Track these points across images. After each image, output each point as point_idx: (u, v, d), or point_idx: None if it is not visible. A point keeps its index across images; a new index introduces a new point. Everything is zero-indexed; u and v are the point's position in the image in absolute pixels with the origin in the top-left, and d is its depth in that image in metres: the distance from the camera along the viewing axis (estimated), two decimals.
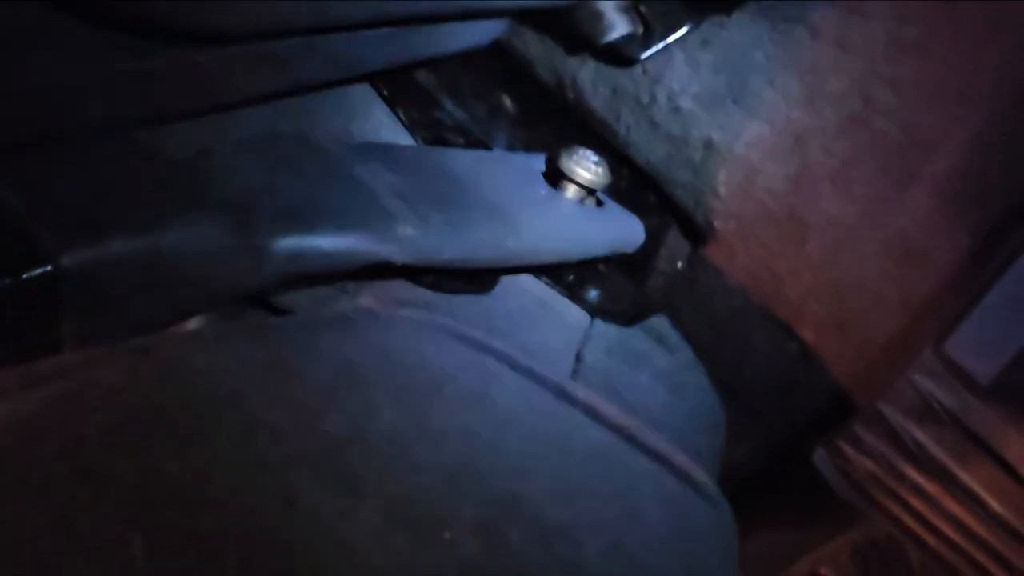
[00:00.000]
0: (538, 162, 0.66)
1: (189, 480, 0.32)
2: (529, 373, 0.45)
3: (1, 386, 0.34)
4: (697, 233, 0.73)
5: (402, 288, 0.53)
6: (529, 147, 0.76)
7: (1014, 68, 0.56)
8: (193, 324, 0.48)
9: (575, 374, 0.55)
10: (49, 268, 0.36)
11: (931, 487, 0.53)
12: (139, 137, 0.49)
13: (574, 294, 0.63)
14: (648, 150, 0.73)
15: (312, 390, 0.38)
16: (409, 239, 0.48)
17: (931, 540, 0.54)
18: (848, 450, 0.57)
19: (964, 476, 0.52)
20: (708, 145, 0.69)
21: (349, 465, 0.35)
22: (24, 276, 0.36)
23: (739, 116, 0.67)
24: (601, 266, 0.67)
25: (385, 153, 0.55)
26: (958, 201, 0.58)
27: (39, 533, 0.28)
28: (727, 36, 0.66)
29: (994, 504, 0.52)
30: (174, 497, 0.31)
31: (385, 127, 0.72)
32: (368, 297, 0.50)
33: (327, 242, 0.45)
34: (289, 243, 0.44)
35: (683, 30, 0.66)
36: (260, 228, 0.44)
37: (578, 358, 0.56)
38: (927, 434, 0.53)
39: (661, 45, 0.66)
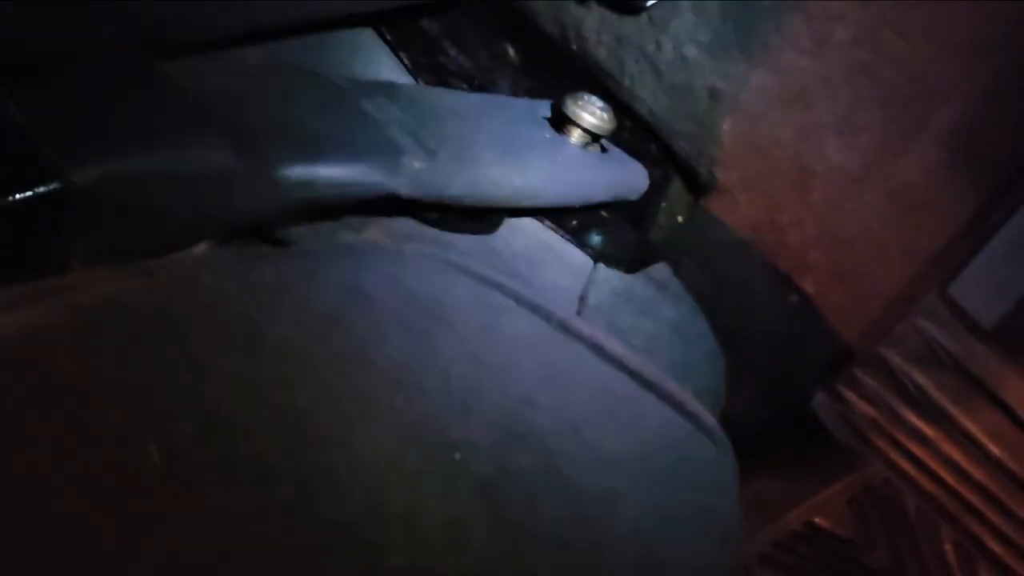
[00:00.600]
0: (543, 107, 0.65)
1: (202, 392, 0.32)
2: (535, 307, 0.45)
3: (10, 300, 0.33)
4: (700, 184, 0.73)
5: (407, 225, 0.53)
6: (533, 95, 0.76)
7: None
8: (199, 250, 0.47)
9: (580, 315, 0.55)
10: (59, 184, 0.36)
11: (930, 431, 0.54)
12: (150, 63, 0.48)
13: (577, 238, 0.63)
14: (652, 100, 0.73)
15: (320, 312, 0.38)
16: (416, 172, 0.48)
17: (928, 485, 0.55)
18: (848, 395, 0.57)
19: (964, 420, 0.52)
20: (713, 94, 0.69)
21: (359, 386, 0.35)
22: (34, 192, 0.36)
23: (745, 65, 0.67)
24: (604, 212, 0.67)
25: (392, 90, 0.55)
26: (965, 152, 0.58)
27: (52, 433, 0.28)
28: None
29: (993, 448, 0.52)
30: (188, 408, 0.31)
31: (388, 71, 0.71)
32: (374, 231, 0.50)
33: (336, 171, 0.45)
34: (298, 171, 0.44)
35: None
36: (270, 155, 0.43)
37: (582, 300, 0.56)
38: (928, 378, 0.54)
39: None
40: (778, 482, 0.68)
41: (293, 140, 0.45)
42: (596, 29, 0.74)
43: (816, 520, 0.65)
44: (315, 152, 0.44)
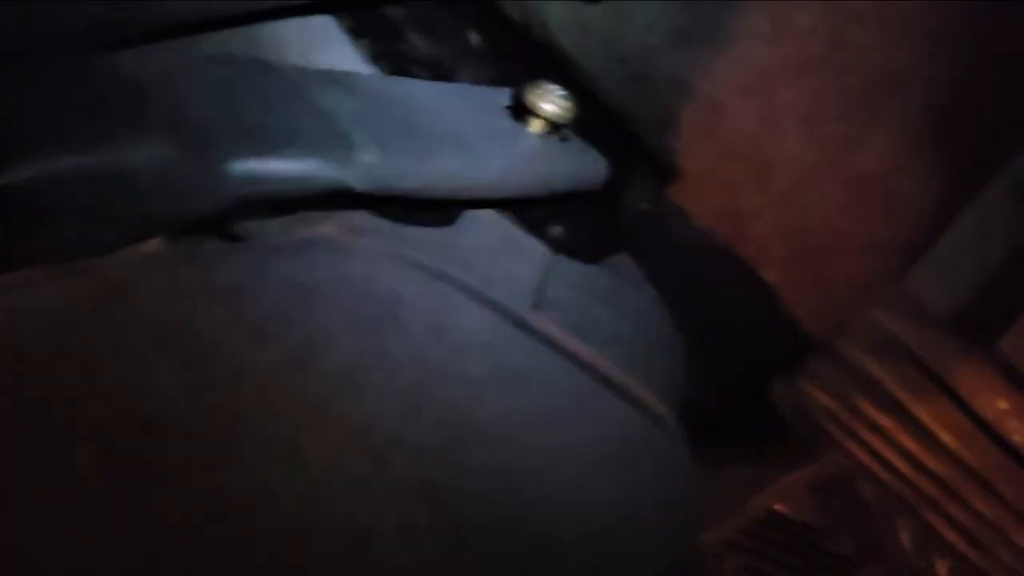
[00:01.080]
0: (503, 96, 0.64)
1: (138, 398, 0.31)
2: (489, 303, 0.45)
3: None
4: (662, 172, 0.72)
5: (362, 218, 0.52)
6: (495, 84, 0.75)
7: (987, 6, 0.55)
8: (146, 248, 0.46)
9: (537, 308, 0.54)
10: None
11: (886, 422, 0.54)
12: (89, 56, 0.47)
13: (537, 229, 0.63)
14: (615, 88, 0.72)
15: (263, 314, 0.37)
16: (370, 166, 0.47)
17: (884, 475, 0.55)
18: (805, 386, 0.57)
19: (919, 412, 0.53)
20: (675, 82, 0.68)
21: (302, 388, 0.35)
22: None
23: (706, 53, 0.66)
24: (564, 202, 0.66)
25: (346, 80, 0.54)
26: (925, 140, 0.58)
27: None
28: None
29: (948, 440, 0.52)
30: (123, 413, 0.31)
31: (347, 59, 0.70)
32: (326, 226, 0.49)
33: (285, 166, 0.44)
34: (245, 166, 0.43)
35: None
36: (215, 150, 0.42)
37: (540, 292, 0.55)
38: (884, 369, 0.54)
39: None
40: (740, 470, 0.68)
41: (240, 134, 0.44)
42: (560, 17, 0.73)
43: (778, 508, 0.65)
44: (263, 146, 0.43)
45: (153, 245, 0.47)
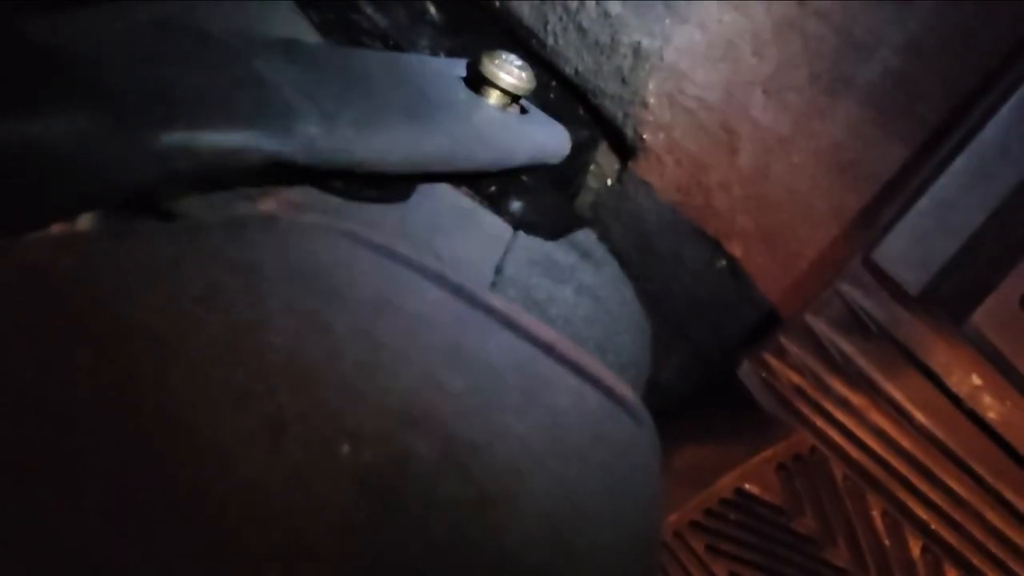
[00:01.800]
0: (459, 67, 0.62)
1: (50, 389, 0.29)
2: (442, 281, 0.42)
3: None
4: (626, 146, 0.70)
5: (308, 194, 0.49)
6: (452, 55, 0.73)
7: None
8: (76, 225, 0.44)
9: (494, 286, 0.52)
10: None
11: (856, 399, 0.52)
12: (12, 20, 0.44)
13: (496, 205, 0.60)
14: (576, 59, 0.70)
15: (195, 294, 0.34)
16: (312, 138, 0.45)
17: (855, 453, 0.54)
18: (773, 362, 0.56)
19: (890, 388, 0.51)
20: (637, 52, 0.66)
21: (233, 372, 0.32)
22: None
23: (669, 20, 0.64)
24: (525, 177, 0.64)
25: (290, 48, 0.51)
26: (891, 109, 0.56)
27: None
28: None
29: (919, 416, 0.51)
30: (31, 408, 0.28)
31: (295, 30, 0.67)
32: (270, 202, 0.47)
33: (220, 137, 0.41)
34: (176, 138, 0.40)
35: None
36: (144, 121, 0.40)
37: (498, 270, 0.53)
38: (853, 346, 0.52)
39: None
40: (708, 449, 0.66)
41: (173, 104, 0.41)
42: None
43: (746, 487, 0.63)
44: (196, 118, 0.41)
45: (81, 224, 0.44)
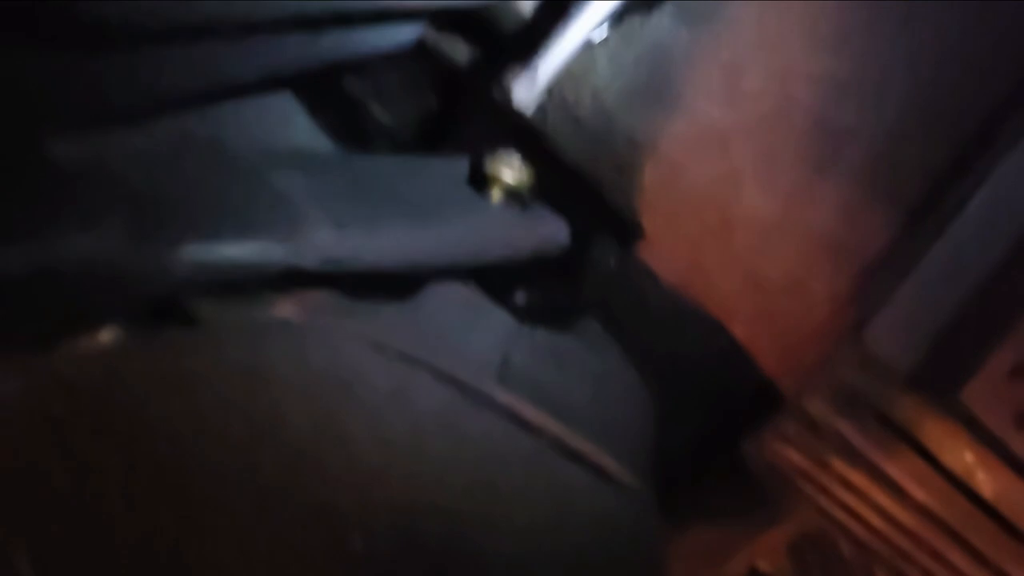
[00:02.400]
0: (462, 165, 0.65)
1: (81, 494, 0.31)
2: (449, 378, 0.45)
3: None
4: (626, 232, 0.73)
5: (321, 297, 0.51)
6: (456, 150, 0.76)
7: (925, 61, 0.57)
8: (97, 337, 0.46)
9: (501, 378, 0.54)
10: None
11: (856, 478, 0.54)
12: (38, 144, 0.47)
13: (501, 298, 0.62)
14: (575, 150, 0.73)
15: (217, 399, 0.37)
16: (324, 245, 0.47)
17: (859, 530, 0.54)
18: (775, 443, 0.57)
19: (888, 467, 0.52)
20: (632, 143, 0.69)
21: (254, 472, 0.34)
22: None
23: (662, 113, 0.67)
24: (528, 268, 0.66)
25: (301, 158, 0.54)
26: (875, 191, 0.59)
27: None
28: (648, 35, 0.66)
29: (917, 493, 0.52)
30: (64, 511, 0.30)
31: (306, 135, 0.70)
32: (283, 306, 0.49)
33: (236, 250, 0.44)
34: (194, 251, 0.42)
35: (605, 29, 0.66)
36: (162, 236, 0.42)
37: (504, 362, 0.55)
38: (850, 425, 0.53)
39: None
40: (717, 529, 0.67)
41: (191, 219, 0.44)
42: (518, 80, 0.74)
43: (759, 565, 0.64)
44: (212, 231, 0.43)
45: (103, 335, 0.46)
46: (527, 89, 0.57)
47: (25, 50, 0.44)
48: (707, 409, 0.70)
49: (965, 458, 0.50)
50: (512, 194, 0.63)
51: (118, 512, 0.31)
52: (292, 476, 0.35)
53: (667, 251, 0.71)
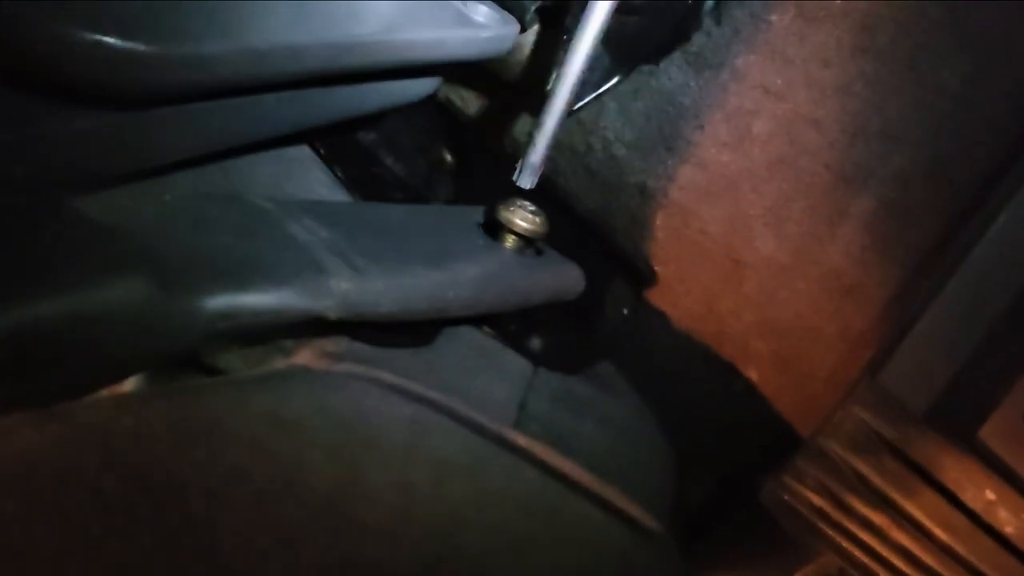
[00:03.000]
0: (477, 214, 0.66)
1: (112, 545, 0.31)
2: (469, 423, 0.45)
3: None
4: (639, 277, 0.74)
5: (341, 344, 0.52)
6: (469, 200, 0.77)
7: (932, 106, 0.58)
8: (124, 387, 0.47)
9: (518, 423, 0.54)
10: None
11: (877, 519, 0.54)
12: (65, 200, 0.48)
13: (517, 343, 0.63)
14: (586, 198, 0.74)
15: (244, 448, 0.37)
16: (344, 293, 0.48)
17: (882, 573, 0.54)
18: (793, 485, 0.57)
19: (908, 506, 0.52)
20: (643, 191, 0.70)
21: (283, 521, 0.35)
22: None
23: (671, 161, 0.68)
24: (543, 314, 0.67)
25: (320, 209, 0.55)
26: (886, 234, 0.60)
27: None
28: (656, 84, 0.68)
29: (939, 533, 0.52)
30: (98, 561, 0.30)
31: (323, 186, 0.72)
32: (304, 354, 0.50)
33: (259, 299, 0.45)
34: (219, 301, 0.43)
35: (614, 80, 0.67)
36: (189, 287, 0.43)
37: (522, 407, 0.56)
38: (869, 466, 0.54)
39: (594, 96, 0.67)
40: (739, 573, 0.67)
41: (215, 270, 0.44)
42: (529, 132, 0.76)
43: None
44: (237, 282, 0.44)
45: (129, 384, 0.47)
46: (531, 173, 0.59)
47: (56, 108, 0.45)
48: (724, 453, 0.71)
49: (986, 496, 0.50)
50: (526, 241, 0.64)
51: (151, 561, 0.31)
52: (318, 524, 0.36)
53: (680, 296, 0.72)
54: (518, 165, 0.59)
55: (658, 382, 0.73)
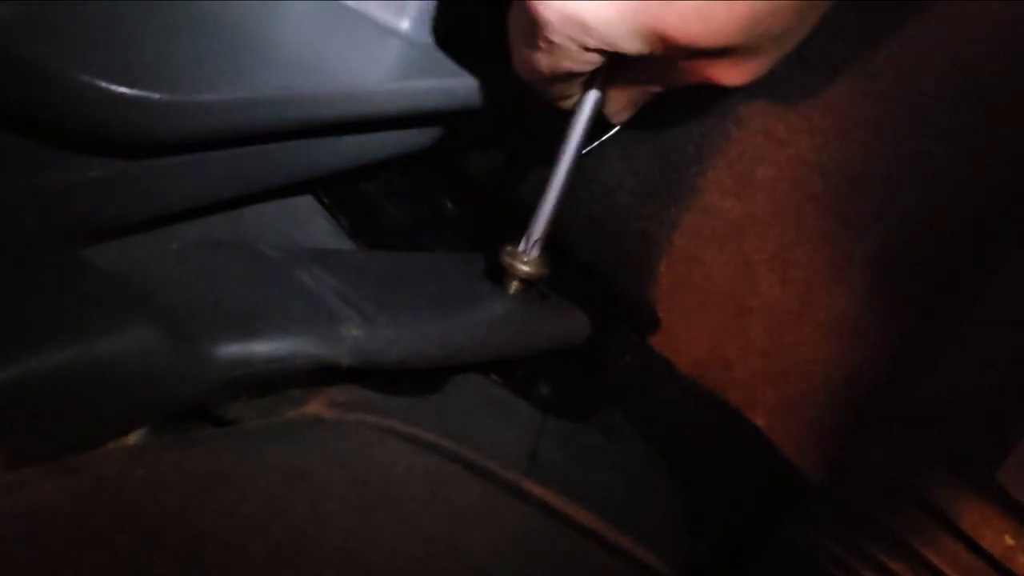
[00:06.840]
0: (480, 260, 0.66)
1: None
2: (483, 472, 0.44)
3: None
4: (644, 324, 0.74)
5: (351, 392, 0.52)
6: (472, 248, 0.77)
7: (934, 151, 0.58)
8: (134, 438, 0.46)
9: (529, 472, 0.54)
10: None
11: (895, 565, 0.53)
12: (73, 249, 0.48)
13: (525, 391, 0.63)
14: (590, 246, 0.75)
15: (258, 499, 0.36)
16: (355, 341, 0.48)
17: None
18: (809, 531, 0.56)
19: (926, 552, 0.52)
20: (646, 237, 0.71)
21: (302, 574, 0.34)
22: None
23: (674, 208, 0.69)
24: (550, 361, 0.66)
25: (327, 257, 0.55)
26: (890, 279, 0.60)
27: None
28: (658, 132, 0.68)
29: None
30: None
31: (327, 235, 0.72)
32: (315, 403, 0.49)
33: (272, 347, 0.44)
34: (231, 350, 0.43)
35: (615, 128, 0.68)
36: (200, 336, 0.43)
37: (531, 455, 0.55)
38: (885, 511, 0.53)
39: (596, 143, 0.67)
40: None
41: (226, 318, 0.44)
42: (530, 183, 0.77)
43: None
44: (250, 329, 0.44)
45: (139, 435, 0.46)
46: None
47: (66, 157, 0.45)
48: (732, 499, 0.70)
49: (1004, 541, 0.49)
50: (530, 286, 0.64)
51: None
52: (334, 575, 0.35)
53: (685, 342, 0.72)
54: (524, 237, 0.60)
55: (664, 429, 0.73)
